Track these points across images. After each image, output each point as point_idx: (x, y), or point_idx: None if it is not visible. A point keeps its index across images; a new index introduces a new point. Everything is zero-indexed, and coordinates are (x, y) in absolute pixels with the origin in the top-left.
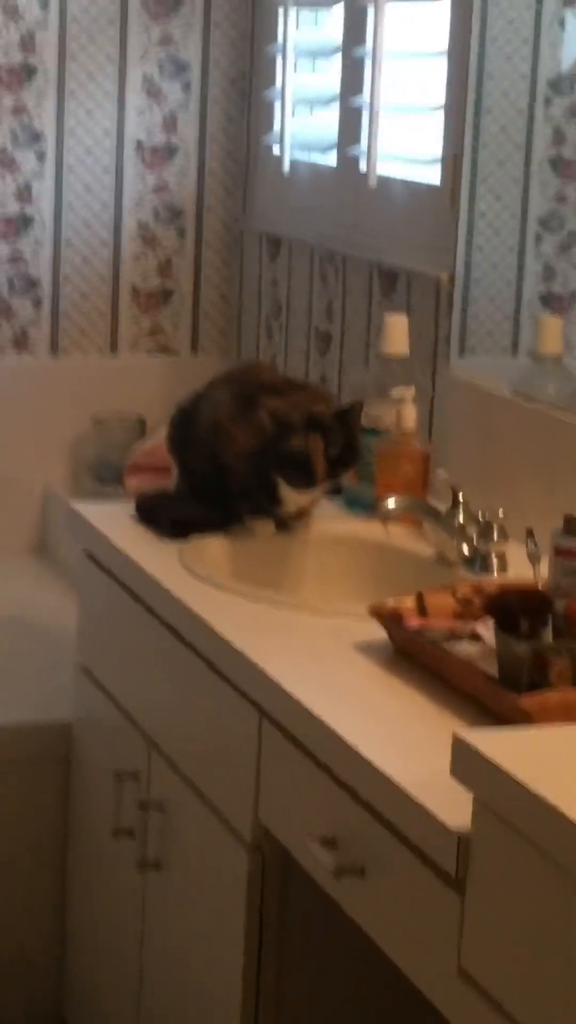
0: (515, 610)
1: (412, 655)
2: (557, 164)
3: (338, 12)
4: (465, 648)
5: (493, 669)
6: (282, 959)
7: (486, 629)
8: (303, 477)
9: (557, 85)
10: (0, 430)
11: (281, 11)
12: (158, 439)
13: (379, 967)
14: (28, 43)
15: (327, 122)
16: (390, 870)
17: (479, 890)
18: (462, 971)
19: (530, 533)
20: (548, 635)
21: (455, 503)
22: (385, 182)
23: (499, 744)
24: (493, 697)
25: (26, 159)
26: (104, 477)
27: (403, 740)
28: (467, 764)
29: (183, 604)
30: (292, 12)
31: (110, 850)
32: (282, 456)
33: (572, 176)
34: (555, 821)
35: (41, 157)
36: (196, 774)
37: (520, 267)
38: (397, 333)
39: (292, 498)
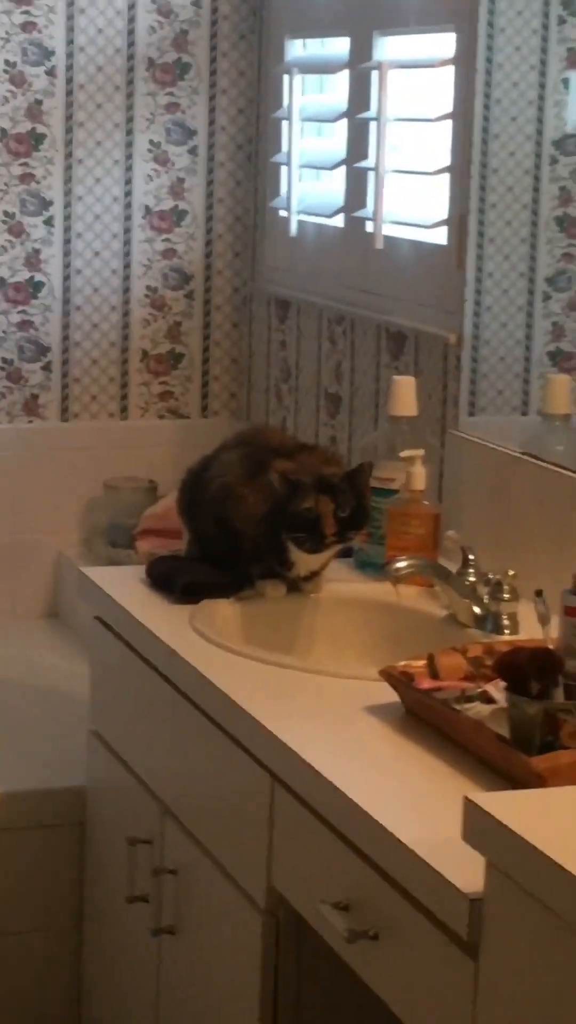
0: (526, 670)
1: (423, 717)
2: (564, 223)
3: (343, 78)
4: (476, 709)
5: (504, 730)
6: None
7: (497, 690)
8: (313, 539)
9: (562, 145)
10: (12, 495)
11: (286, 78)
12: (169, 503)
13: None
14: (35, 111)
15: (334, 186)
16: (403, 934)
17: (493, 954)
18: None
19: (539, 593)
20: (559, 695)
21: (465, 563)
22: (392, 243)
23: (511, 807)
24: (505, 758)
25: (35, 226)
26: (116, 541)
27: (415, 803)
28: (479, 827)
29: (194, 668)
30: (297, 78)
31: (124, 916)
32: (292, 518)
33: None
34: (569, 884)
35: (50, 223)
36: (209, 839)
37: (529, 326)
38: (406, 394)
39: (303, 560)
